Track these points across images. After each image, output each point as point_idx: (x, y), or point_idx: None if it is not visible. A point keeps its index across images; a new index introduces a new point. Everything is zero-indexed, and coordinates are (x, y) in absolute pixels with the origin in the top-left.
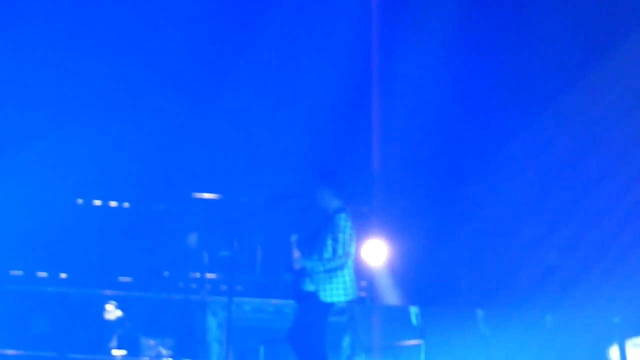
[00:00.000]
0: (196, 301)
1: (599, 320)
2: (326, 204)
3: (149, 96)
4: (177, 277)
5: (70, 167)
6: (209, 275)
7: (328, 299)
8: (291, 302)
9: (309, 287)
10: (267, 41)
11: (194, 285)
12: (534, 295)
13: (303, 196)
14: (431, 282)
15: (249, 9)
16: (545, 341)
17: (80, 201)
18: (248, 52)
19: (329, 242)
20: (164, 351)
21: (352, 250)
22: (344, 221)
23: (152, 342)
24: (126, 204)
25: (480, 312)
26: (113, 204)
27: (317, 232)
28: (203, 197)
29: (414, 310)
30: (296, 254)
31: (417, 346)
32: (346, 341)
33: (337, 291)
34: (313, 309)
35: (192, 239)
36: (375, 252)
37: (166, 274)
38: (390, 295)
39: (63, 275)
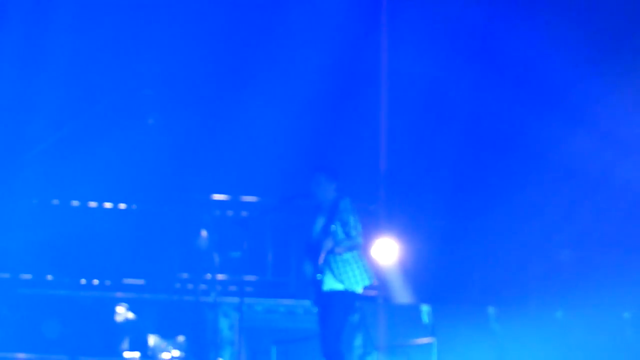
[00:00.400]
0: (207, 302)
1: (610, 316)
2: (330, 195)
3: (160, 97)
4: (187, 278)
5: (81, 169)
6: (220, 277)
7: (354, 287)
8: (303, 302)
9: (331, 285)
10: (275, 41)
11: (204, 287)
12: (545, 293)
13: (312, 196)
14: (442, 280)
15: (257, 9)
16: (556, 338)
17: (92, 204)
18: (255, 50)
19: (339, 227)
20: (175, 353)
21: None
22: (349, 205)
23: (163, 344)
24: (136, 206)
25: (491, 310)
26: (123, 206)
27: (327, 223)
28: (213, 198)
29: (425, 308)
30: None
31: (429, 344)
32: (358, 340)
33: (360, 276)
34: (337, 308)
35: (203, 240)
36: (387, 250)
37: (177, 275)
38: (402, 294)
39: (74, 279)
